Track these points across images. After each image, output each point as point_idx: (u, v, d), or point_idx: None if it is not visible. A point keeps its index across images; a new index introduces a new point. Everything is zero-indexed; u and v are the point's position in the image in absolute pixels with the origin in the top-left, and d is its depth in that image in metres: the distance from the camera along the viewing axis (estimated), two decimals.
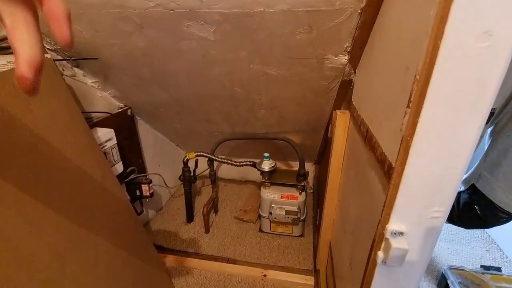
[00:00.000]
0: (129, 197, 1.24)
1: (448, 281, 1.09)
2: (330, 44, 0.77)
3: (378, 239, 0.37)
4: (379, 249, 0.35)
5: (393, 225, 0.33)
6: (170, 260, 1.28)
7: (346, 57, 0.81)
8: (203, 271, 1.22)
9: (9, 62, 0.69)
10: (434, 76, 0.26)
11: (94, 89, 1.12)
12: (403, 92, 0.41)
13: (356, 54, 0.79)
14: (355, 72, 0.86)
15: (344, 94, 0.97)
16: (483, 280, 1.10)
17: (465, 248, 1.37)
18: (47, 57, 0.74)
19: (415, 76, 0.34)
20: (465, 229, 1.45)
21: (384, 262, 0.34)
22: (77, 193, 0.64)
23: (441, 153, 0.28)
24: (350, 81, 0.89)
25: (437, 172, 0.29)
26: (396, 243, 0.32)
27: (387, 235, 0.33)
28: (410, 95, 0.35)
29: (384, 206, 0.39)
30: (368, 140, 0.62)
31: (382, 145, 0.53)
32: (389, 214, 0.33)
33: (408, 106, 0.35)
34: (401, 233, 0.33)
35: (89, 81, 1.09)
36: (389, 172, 0.45)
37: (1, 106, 0.50)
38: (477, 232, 1.47)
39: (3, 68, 0.68)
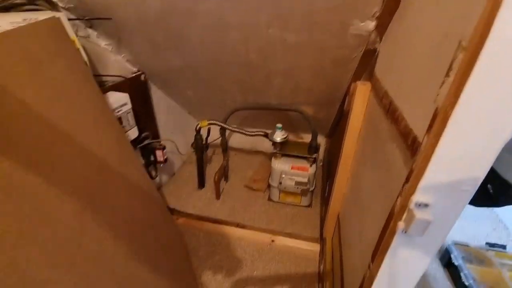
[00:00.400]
0: (144, 162, 1.28)
1: (451, 256, 1.13)
2: (357, 8, 0.72)
3: (399, 210, 0.37)
4: (399, 220, 0.36)
5: (418, 197, 0.33)
6: (182, 222, 1.35)
7: (373, 23, 0.76)
8: (214, 234, 1.29)
9: (25, 19, 0.68)
10: (490, 42, 0.24)
11: (108, 52, 1.10)
12: (440, 60, 0.38)
13: (384, 20, 0.73)
14: (381, 41, 0.81)
15: (366, 64, 0.92)
16: (486, 256, 1.13)
17: (472, 225, 1.38)
18: (54, 16, 0.71)
19: (460, 43, 0.32)
20: (473, 207, 1.45)
21: (404, 231, 0.35)
22: (91, 155, 0.64)
23: (482, 126, 0.27)
24: (374, 51, 0.84)
25: (474, 145, 0.28)
26: (420, 214, 0.32)
27: (411, 206, 0.33)
28: (451, 64, 0.33)
29: (407, 179, 0.39)
30: (391, 112, 0.60)
31: (407, 117, 0.51)
32: (415, 186, 0.33)
33: (447, 75, 0.33)
34: (426, 205, 0.33)
35: (103, 43, 1.07)
36: (413, 145, 0.44)
37: (10, 66, 0.48)
38: (485, 210, 1.48)
39: (18, 24, 0.66)
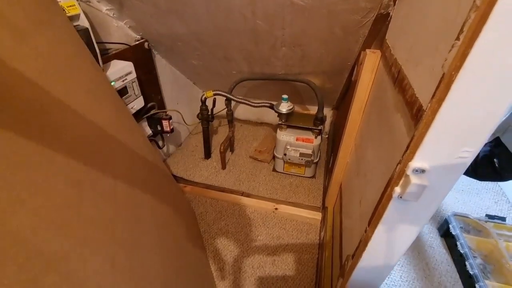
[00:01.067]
0: (151, 132, 1.30)
1: (450, 226, 1.15)
2: None
3: (397, 176, 0.38)
4: (396, 185, 0.37)
5: (416, 163, 0.33)
6: (189, 190, 1.40)
7: None
8: (220, 201, 1.34)
9: None
10: None
11: (110, 18, 1.07)
12: (453, 23, 0.36)
13: None
14: (394, 4, 0.76)
15: (377, 31, 0.88)
16: (484, 227, 1.15)
17: (474, 198, 1.40)
18: None
19: (474, 2, 0.30)
20: (477, 181, 1.46)
21: (400, 196, 0.36)
22: (86, 126, 0.63)
23: (486, 92, 0.26)
24: (387, 16, 0.80)
25: (476, 111, 0.28)
26: (416, 180, 0.33)
27: (408, 172, 0.34)
28: (463, 25, 0.32)
29: (408, 147, 0.39)
30: (399, 81, 0.59)
31: (414, 86, 0.50)
32: (414, 152, 0.33)
33: (457, 38, 0.32)
34: (423, 171, 0.33)
35: (104, 8, 1.03)
36: (417, 115, 0.44)
37: None
38: (488, 184, 1.48)
39: None
